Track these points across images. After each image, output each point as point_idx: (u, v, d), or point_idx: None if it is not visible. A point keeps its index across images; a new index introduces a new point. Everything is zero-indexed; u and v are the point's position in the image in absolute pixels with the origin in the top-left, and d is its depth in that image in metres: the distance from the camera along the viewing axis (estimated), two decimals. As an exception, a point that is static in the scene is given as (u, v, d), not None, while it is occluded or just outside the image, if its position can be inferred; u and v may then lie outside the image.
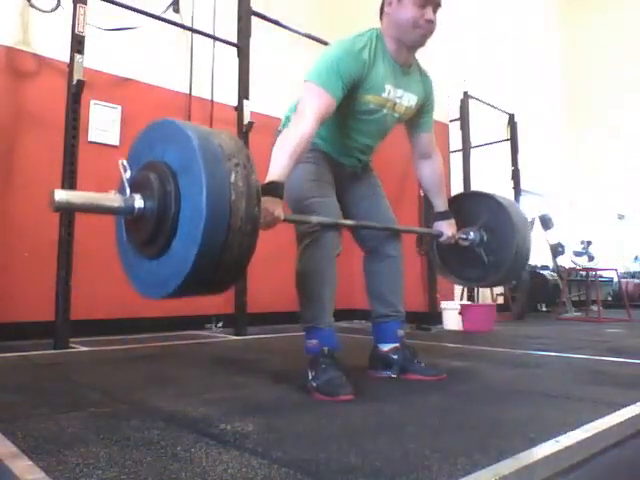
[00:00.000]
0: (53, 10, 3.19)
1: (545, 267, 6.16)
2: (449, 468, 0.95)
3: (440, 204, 2.09)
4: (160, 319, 3.54)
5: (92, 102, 3.36)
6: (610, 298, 7.08)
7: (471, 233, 2.09)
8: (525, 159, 5.53)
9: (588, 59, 8.03)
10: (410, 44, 1.77)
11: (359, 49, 1.70)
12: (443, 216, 2.08)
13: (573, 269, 5.89)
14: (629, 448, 1.21)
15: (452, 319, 3.93)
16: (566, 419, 1.28)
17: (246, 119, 3.48)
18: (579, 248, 6.14)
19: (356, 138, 1.88)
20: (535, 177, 6.36)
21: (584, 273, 5.85)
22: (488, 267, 2.08)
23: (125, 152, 1.36)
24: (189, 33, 3.85)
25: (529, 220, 2.10)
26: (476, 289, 4.88)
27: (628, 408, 1.40)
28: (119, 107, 3.51)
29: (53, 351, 2.56)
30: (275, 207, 1.52)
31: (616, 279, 6.51)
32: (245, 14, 3.55)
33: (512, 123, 5.39)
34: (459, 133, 4.79)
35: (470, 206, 2.17)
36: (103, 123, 3.43)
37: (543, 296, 5.92)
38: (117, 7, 3.06)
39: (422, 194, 4.00)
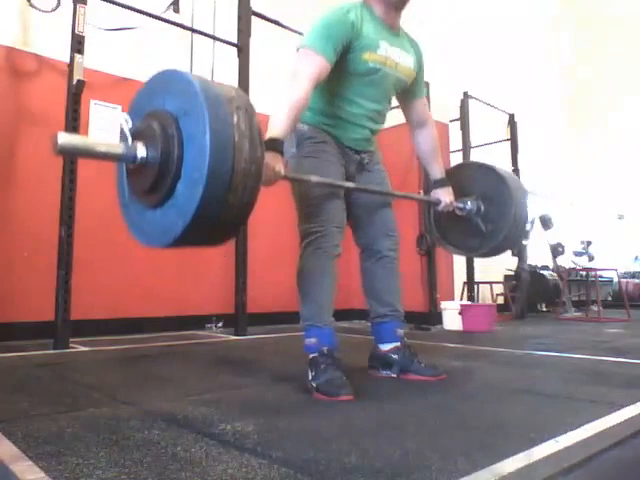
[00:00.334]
0: (53, 10, 3.18)
1: (545, 267, 6.15)
2: (449, 468, 0.95)
3: (437, 172, 2.08)
4: (160, 319, 3.54)
5: (92, 102, 3.37)
6: (610, 298, 7.07)
7: (468, 202, 2.06)
8: (525, 159, 5.53)
9: (588, 59, 8.02)
10: (395, 2, 1.81)
11: (345, 12, 1.75)
12: (440, 183, 2.07)
13: (573, 269, 5.88)
14: (629, 448, 1.21)
15: (452, 319, 3.92)
16: (566, 419, 1.28)
17: (246, 119, 3.48)
18: (579, 248, 6.13)
19: (362, 104, 1.85)
20: (535, 177, 6.35)
21: (584, 273, 5.85)
22: (486, 235, 2.07)
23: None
24: (189, 33, 3.84)
25: (527, 198, 2.09)
26: (476, 289, 4.88)
27: (628, 408, 1.40)
28: (119, 107, 3.51)
29: (53, 351, 2.56)
30: (276, 162, 1.53)
31: (616, 279, 6.50)
32: (245, 14, 3.56)
33: (512, 123, 5.40)
34: (459, 133, 4.80)
35: (468, 177, 2.15)
36: (103, 123, 3.44)
37: (543, 296, 5.91)
38: (117, 7, 3.06)
39: (422, 193, 4.00)
